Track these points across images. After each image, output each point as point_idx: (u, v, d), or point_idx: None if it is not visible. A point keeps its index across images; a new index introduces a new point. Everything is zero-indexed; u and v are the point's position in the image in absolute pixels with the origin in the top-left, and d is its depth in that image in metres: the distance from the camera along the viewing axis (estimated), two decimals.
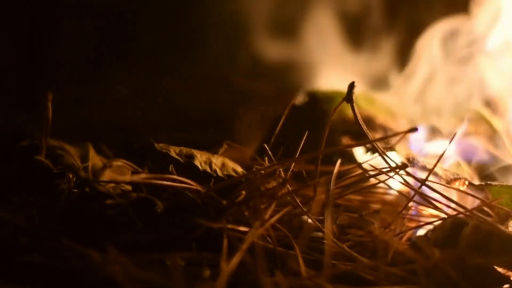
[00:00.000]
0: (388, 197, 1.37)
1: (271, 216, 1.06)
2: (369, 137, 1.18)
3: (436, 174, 1.28)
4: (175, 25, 2.08)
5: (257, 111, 1.95)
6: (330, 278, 1.01)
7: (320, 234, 1.12)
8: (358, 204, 1.34)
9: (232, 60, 2.09)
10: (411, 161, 1.28)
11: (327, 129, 1.18)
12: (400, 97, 1.66)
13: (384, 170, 1.17)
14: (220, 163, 1.23)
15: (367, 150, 1.44)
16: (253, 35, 2.07)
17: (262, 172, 1.16)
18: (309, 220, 1.12)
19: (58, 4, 1.98)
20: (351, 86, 1.18)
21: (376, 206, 1.33)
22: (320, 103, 1.62)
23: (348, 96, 1.18)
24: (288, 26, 2.10)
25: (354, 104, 1.18)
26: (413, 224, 1.26)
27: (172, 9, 2.07)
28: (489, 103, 1.57)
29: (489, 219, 1.11)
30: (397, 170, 1.16)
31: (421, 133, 1.49)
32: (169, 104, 2.01)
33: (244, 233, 1.04)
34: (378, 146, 1.18)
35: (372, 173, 1.19)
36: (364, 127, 1.18)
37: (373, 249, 1.15)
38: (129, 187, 1.19)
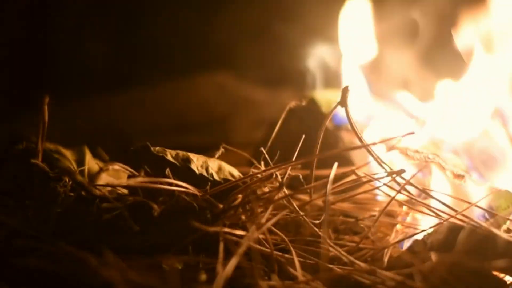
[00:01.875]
0: (384, 202, 1.37)
1: (268, 220, 1.06)
2: (363, 142, 1.18)
3: (442, 168, 1.28)
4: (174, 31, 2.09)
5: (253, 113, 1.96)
6: (327, 282, 1.01)
7: (316, 238, 1.12)
8: (355, 209, 1.34)
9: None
10: (409, 155, 1.29)
11: (321, 133, 1.18)
12: None
13: (380, 176, 1.17)
14: (217, 166, 1.22)
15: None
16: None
17: (259, 176, 1.16)
18: (306, 224, 1.12)
19: (58, 8, 1.99)
20: (345, 90, 1.19)
21: (372, 211, 1.33)
22: (319, 106, 1.63)
23: (343, 100, 1.18)
24: None
25: (348, 108, 1.18)
26: (409, 229, 1.26)
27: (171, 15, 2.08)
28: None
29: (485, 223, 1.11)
30: (394, 176, 1.16)
31: None
32: (165, 108, 2.01)
33: (241, 237, 1.04)
34: (372, 151, 1.18)
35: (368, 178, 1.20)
36: (358, 131, 1.18)
37: (370, 253, 1.15)
38: (125, 191, 1.19)
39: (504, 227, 1.19)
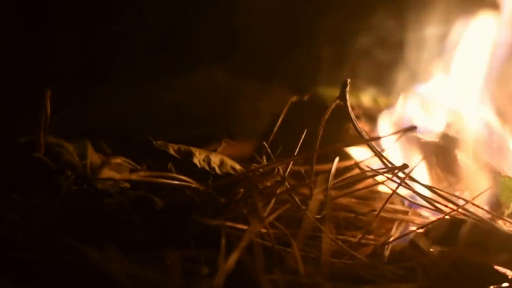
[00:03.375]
0: (386, 196, 1.37)
1: (269, 214, 1.07)
2: (364, 137, 1.18)
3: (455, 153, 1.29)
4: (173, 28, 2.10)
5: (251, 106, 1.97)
6: (328, 276, 1.01)
7: (318, 232, 1.12)
8: (357, 203, 1.34)
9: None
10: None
11: (321, 128, 1.18)
12: None
13: (383, 171, 1.17)
14: (219, 161, 1.23)
15: None
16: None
17: (261, 170, 1.16)
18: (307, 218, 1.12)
19: (57, 4, 1.99)
20: (344, 85, 1.18)
21: (374, 205, 1.33)
22: (324, 100, 1.63)
23: (342, 95, 1.18)
24: None
25: (348, 103, 1.18)
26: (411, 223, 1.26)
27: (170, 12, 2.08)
28: None
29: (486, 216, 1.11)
30: (396, 171, 1.16)
31: None
32: (167, 102, 2.01)
33: (242, 230, 1.04)
34: (373, 146, 1.18)
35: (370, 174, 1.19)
36: (358, 126, 1.18)
37: (371, 248, 1.15)
38: (127, 185, 1.19)
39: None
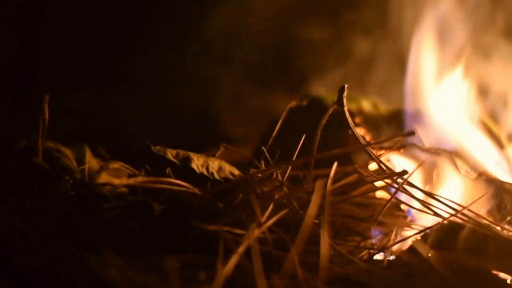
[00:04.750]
0: (384, 201, 1.37)
1: (268, 219, 1.06)
2: (361, 142, 1.18)
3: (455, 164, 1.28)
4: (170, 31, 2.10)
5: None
6: (327, 281, 1.01)
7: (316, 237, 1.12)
8: (355, 208, 1.34)
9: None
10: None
11: (319, 133, 1.18)
12: None
13: (383, 176, 1.17)
14: (217, 166, 1.22)
15: None
16: None
17: (259, 175, 1.16)
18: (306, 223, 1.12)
19: (55, 9, 1.99)
20: (341, 90, 1.18)
21: (373, 210, 1.33)
22: (324, 105, 1.62)
23: (339, 100, 1.18)
24: None
25: (345, 109, 1.18)
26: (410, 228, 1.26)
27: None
28: None
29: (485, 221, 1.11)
30: (396, 177, 1.16)
31: None
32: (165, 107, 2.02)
33: (241, 235, 1.03)
34: (372, 152, 1.18)
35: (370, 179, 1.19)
36: (355, 131, 1.18)
37: (370, 253, 1.15)
38: (125, 190, 1.19)
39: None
